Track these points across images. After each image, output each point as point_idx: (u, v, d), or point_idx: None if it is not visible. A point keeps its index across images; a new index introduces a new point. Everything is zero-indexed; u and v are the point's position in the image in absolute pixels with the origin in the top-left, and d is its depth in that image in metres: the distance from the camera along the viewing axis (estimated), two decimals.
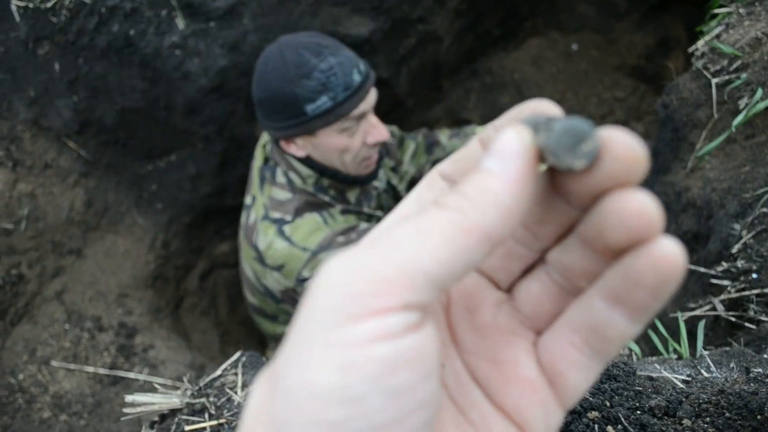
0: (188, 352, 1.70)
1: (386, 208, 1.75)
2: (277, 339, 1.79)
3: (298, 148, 1.48)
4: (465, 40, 2.19)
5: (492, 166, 0.29)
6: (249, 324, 2.02)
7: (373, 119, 1.47)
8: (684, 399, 0.63)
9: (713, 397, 0.61)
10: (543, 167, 0.31)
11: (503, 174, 0.29)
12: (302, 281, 1.51)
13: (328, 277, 0.29)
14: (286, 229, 1.51)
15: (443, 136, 1.91)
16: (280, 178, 1.55)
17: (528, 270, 0.36)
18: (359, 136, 1.46)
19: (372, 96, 1.44)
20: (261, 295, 1.62)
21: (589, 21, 2.32)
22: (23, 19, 1.61)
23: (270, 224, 1.51)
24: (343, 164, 1.50)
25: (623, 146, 0.27)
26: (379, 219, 1.66)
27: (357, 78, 1.40)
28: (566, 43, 2.36)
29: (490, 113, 2.36)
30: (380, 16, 1.88)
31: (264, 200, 1.56)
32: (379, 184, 1.71)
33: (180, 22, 1.72)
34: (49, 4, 1.61)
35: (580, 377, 0.32)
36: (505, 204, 0.28)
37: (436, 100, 2.32)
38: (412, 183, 1.80)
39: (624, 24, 2.31)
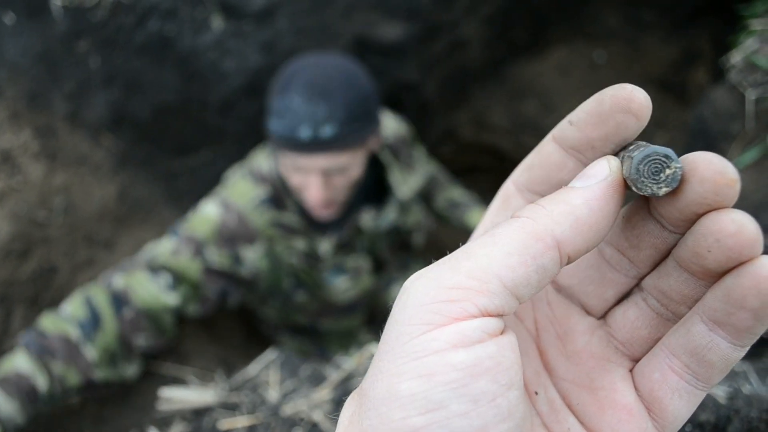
0: (215, 346, 1.72)
1: (381, 249, 1.68)
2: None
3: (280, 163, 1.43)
4: (493, 46, 2.20)
5: (577, 184, 0.30)
6: None
7: (313, 182, 1.36)
8: (733, 415, 0.64)
9: (764, 414, 0.62)
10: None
11: (584, 190, 0.29)
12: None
13: (407, 292, 0.29)
14: (237, 178, 1.50)
15: (442, 197, 1.81)
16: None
17: (622, 297, 0.35)
18: (298, 181, 1.39)
19: (322, 161, 1.33)
20: None
21: (616, 31, 2.33)
22: (64, 17, 1.64)
23: (243, 169, 1.54)
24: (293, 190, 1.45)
25: (709, 168, 0.28)
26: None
27: (304, 133, 1.30)
28: (592, 53, 2.37)
29: (514, 120, 2.37)
30: (413, 20, 1.91)
31: (254, 159, 1.55)
32: (369, 223, 1.58)
33: (216, 22, 1.75)
34: (89, 3, 1.65)
35: (681, 404, 0.32)
36: (580, 217, 0.29)
37: (461, 105, 2.34)
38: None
39: (650, 35, 2.32)
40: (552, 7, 2.22)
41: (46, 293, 1.61)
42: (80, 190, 1.73)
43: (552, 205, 0.29)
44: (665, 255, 0.32)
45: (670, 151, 0.29)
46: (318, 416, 0.86)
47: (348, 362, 0.98)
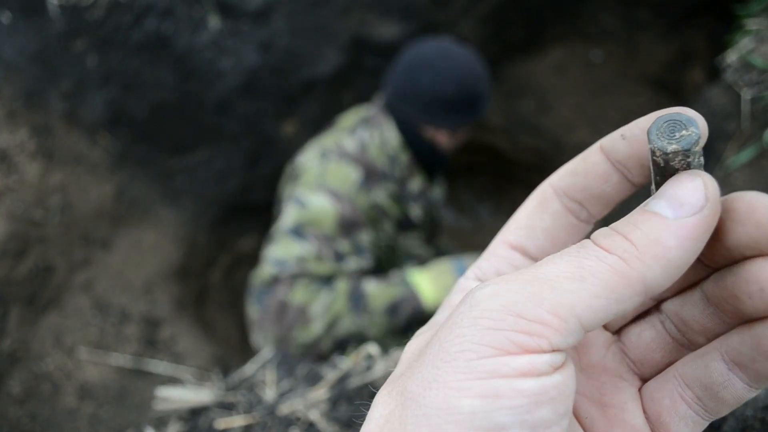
0: (211, 345, 1.72)
1: (432, 221, 1.79)
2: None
3: (442, 137, 1.60)
4: (489, 46, 2.21)
5: (668, 214, 0.27)
6: None
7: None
8: (728, 414, 0.64)
9: (758, 413, 0.62)
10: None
11: (679, 229, 0.27)
12: (295, 199, 1.49)
13: (479, 305, 0.28)
14: (324, 162, 1.52)
15: None
16: (361, 132, 1.57)
17: (639, 316, 0.35)
18: (452, 139, 1.63)
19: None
20: None
21: (612, 31, 2.34)
22: (60, 15, 1.64)
23: (319, 150, 1.56)
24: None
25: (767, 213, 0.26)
26: (391, 236, 1.66)
27: (487, 99, 1.63)
28: (588, 53, 2.38)
29: (510, 119, 2.37)
30: (408, 20, 1.91)
31: (328, 140, 1.58)
32: (438, 192, 1.79)
33: (213, 22, 1.75)
34: (86, 2, 1.64)
35: (686, 431, 0.32)
36: (673, 260, 0.27)
37: None
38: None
39: (646, 35, 2.32)
40: (548, 6, 2.22)
41: (43, 292, 1.61)
42: (77, 189, 1.73)
43: (644, 245, 0.27)
44: (691, 284, 0.32)
45: (696, 120, 0.28)
46: (314, 416, 0.86)
47: (344, 362, 0.98)
